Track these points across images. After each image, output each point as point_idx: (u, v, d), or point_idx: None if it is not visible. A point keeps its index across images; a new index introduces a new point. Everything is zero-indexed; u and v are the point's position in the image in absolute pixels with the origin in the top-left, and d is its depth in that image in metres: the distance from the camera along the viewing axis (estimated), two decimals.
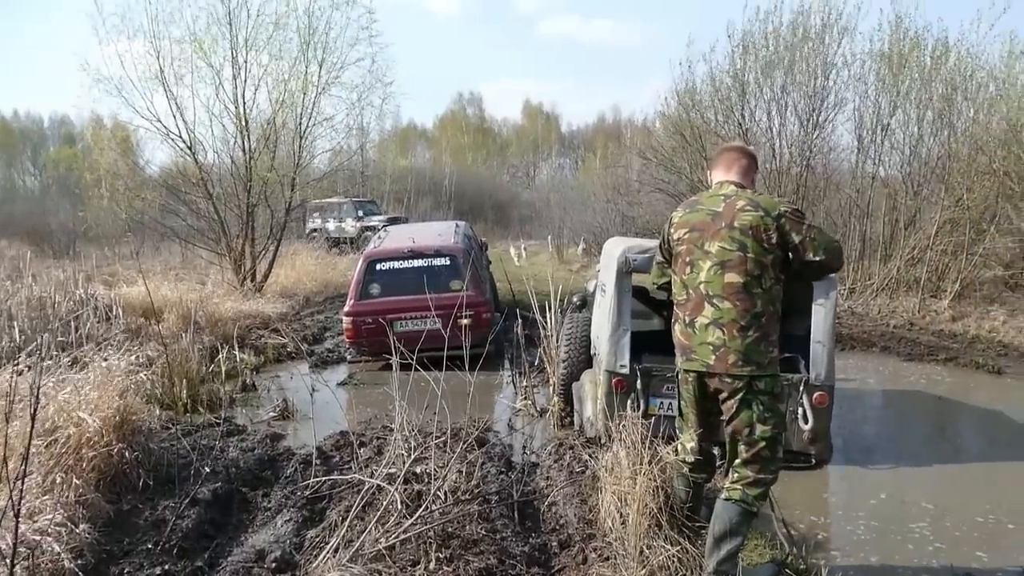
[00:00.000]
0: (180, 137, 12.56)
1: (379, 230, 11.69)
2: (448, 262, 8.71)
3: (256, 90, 13.18)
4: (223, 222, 13.10)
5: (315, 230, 27.67)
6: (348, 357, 8.91)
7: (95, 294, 10.04)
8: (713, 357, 3.36)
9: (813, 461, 5.35)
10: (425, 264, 8.65)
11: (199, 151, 12.81)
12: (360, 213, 27.90)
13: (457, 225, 10.50)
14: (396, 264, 8.72)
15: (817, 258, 3.41)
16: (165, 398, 6.69)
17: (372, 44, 13.65)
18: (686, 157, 14.89)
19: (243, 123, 12.93)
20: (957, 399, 7.40)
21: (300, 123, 13.62)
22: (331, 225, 27.83)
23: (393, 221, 25.90)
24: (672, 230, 3.66)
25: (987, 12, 14.40)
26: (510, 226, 35.67)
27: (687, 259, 3.52)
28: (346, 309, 8.66)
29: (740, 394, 3.34)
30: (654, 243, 5.55)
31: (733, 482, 3.43)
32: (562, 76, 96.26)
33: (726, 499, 3.41)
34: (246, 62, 12.88)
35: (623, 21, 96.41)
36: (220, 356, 8.13)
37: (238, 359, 8.42)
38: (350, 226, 27.46)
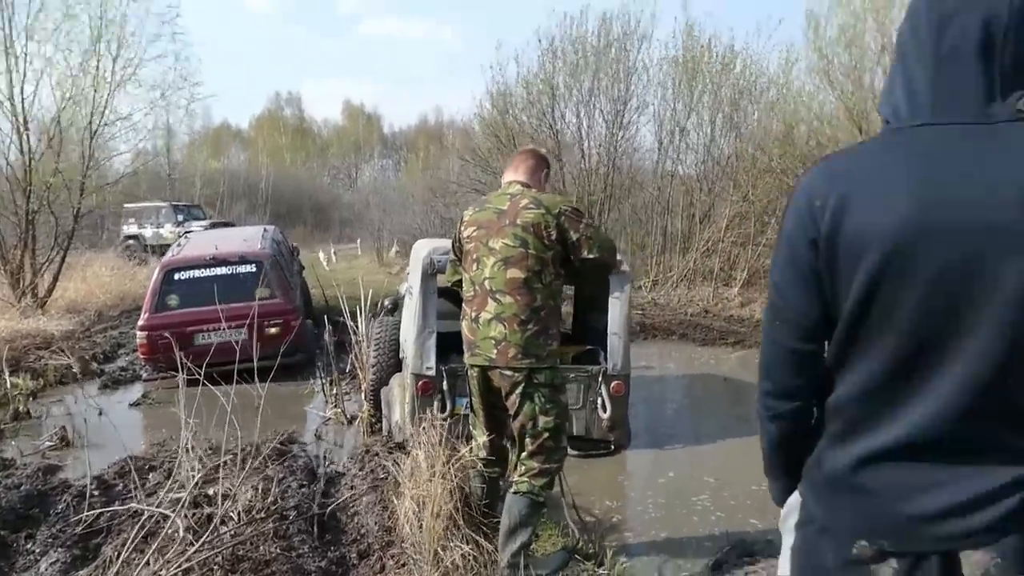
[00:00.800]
0: None
1: (180, 237, 11.01)
2: (253, 269, 8.24)
3: (38, 85, 11.96)
4: None
5: (131, 237, 25.69)
6: (143, 375, 8.27)
7: None
8: (495, 351, 3.43)
9: (612, 447, 5.62)
10: (229, 272, 8.16)
11: None
12: (180, 218, 26.06)
13: (265, 230, 10.01)
14: (196, 273, 8.15)
15: (592, 255, 3.56)
16: None
17: (176, 40, 12.80)
18: (501, 159, 15.19)
19: (21, 121, 11.63)
20: (741, 378, 8.04)
21: (91, 122, 12.48)
22: (148, 231, 25.92)
23: (217, 227, 24.70)
24: (462, 228, 3.71)
25: (765, 24, 15.77)
26: (331, 229, 34.88)
27: (474, 256, 3.58)
28: (140, 323, 8.00)
29: (520, 387, 3.42)
30: None
31: (521, 475, 3.51)
32: (384, 77, 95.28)
33: (515, 492, 3.48)
34: (26, 54, 11.62)
35: (445, 23, 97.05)
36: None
37: (8, 385, 7.57)
38: (168, 232, 25.57)
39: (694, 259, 12.88)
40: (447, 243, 5.98)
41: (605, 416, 5.41)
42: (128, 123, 13.29)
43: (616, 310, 5.55)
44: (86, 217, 13.39)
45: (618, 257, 5.50)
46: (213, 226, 23.99)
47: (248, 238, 9.37)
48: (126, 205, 27.82)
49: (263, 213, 34.95)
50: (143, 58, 12.82)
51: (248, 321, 7.16)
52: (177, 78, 13.30)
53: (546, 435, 3.46)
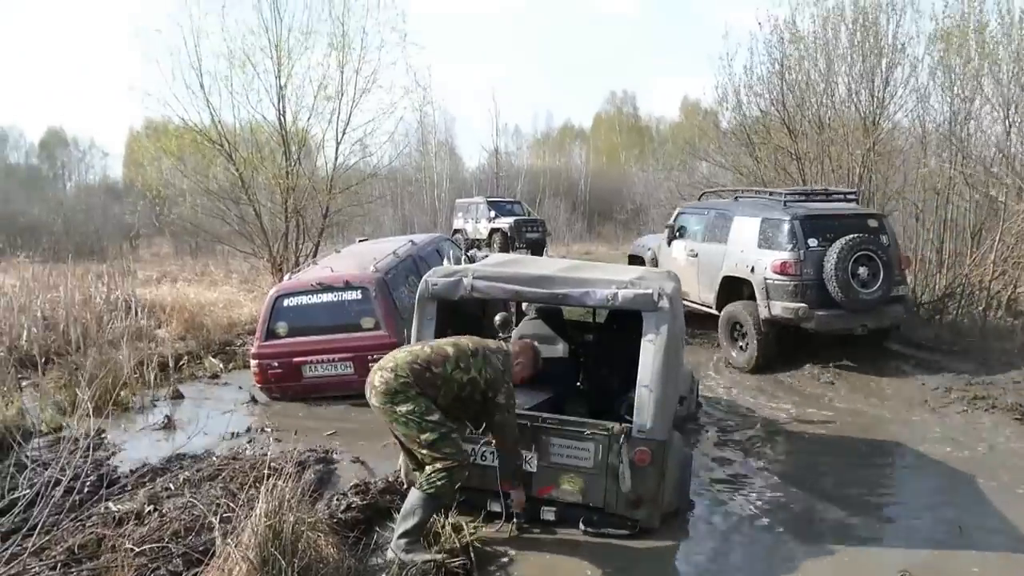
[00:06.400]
0: (222, 147, 13.15)
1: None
2: (359, 296, 7.48)
3: (298, 99, 13.62)
4: (263, 228, 13.51)
5: (457, 231, 27.84)
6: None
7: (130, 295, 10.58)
8: None
9: (636, 527, 4.50)
10: (335, 299, 7.53)
11: (240, 161, 13.28)
12: (492, 214, 27.47)
13: (411, 243, 8.99)
14: (304, 300, 7.58)
15: None
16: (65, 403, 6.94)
17: (406, 45, 13.92)
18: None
19: (283, 132, 13.33)
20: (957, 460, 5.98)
21: (336, 131, 13.87)
22: (469, 226, 27.82)
23: (525, 225, 25.79)
24: None
25: None
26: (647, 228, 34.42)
27: None
28: (252, 350, 7.72)
29: None
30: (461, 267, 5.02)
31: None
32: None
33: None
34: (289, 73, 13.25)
35: None
36: (171, 362, 8.29)
37: (206, 364, 8.62)
38: (483, 227, 27.15)
39: (962, 284, 9.88)
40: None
41: (624, 489, 4.28)
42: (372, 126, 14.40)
43: (649, 356, 4.36)
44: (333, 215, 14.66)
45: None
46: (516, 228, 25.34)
47: (372, 257, 8.26)
48: (457, 200, 30.30)
49: (583, 211, 36.00)
50: (381, 67, 13.87)
51: (353, 355, 7.16)
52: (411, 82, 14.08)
53: None
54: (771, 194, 9.31)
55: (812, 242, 8.22)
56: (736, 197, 10.10)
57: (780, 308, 8.19)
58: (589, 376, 6.24)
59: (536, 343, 4.77)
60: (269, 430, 6.56)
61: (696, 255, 9.71)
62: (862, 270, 8.06)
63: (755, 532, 4.69)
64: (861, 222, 8.55)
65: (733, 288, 8.89)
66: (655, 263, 10.82)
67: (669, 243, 10.42)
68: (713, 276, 9.14)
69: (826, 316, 8.09)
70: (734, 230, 9.04)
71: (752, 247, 8.64)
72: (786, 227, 8.32)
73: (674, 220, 10.57)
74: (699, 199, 11.28)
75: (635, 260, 11.85)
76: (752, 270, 8.52)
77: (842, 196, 9.27)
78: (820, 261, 8.11)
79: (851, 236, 8.07)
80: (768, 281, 8.29)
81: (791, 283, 8.15)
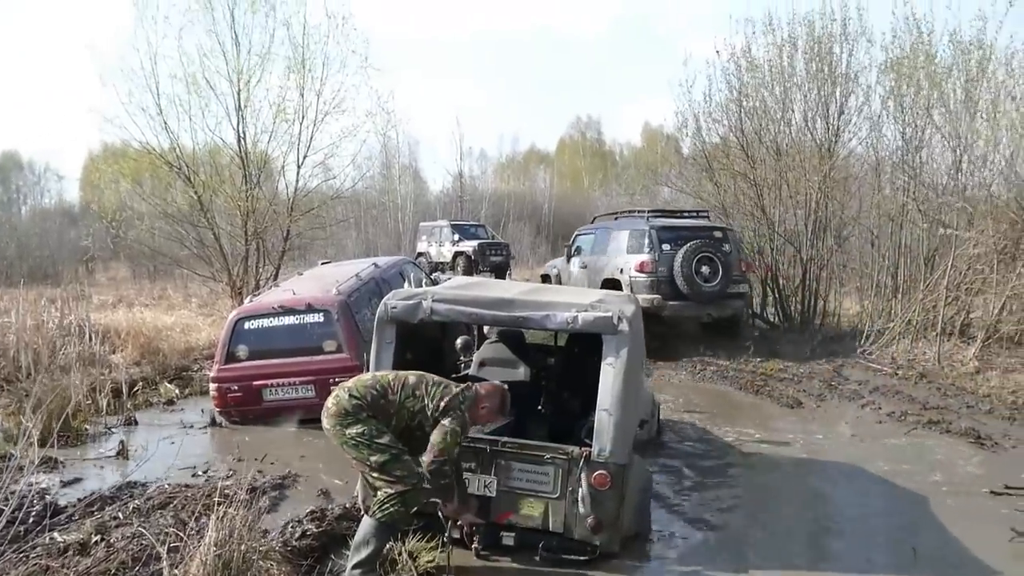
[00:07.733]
0: (180, 170, 13.00)
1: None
2: (320, 319, 7.42)
3: (257, 121, 13.55)
4: (223, 251, 13.34)
5: (421, 254, 27.68)
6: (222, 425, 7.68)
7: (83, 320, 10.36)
8: None
9: (596, 552, 4.43)
10: (296, 322, 7.45)
11: (199, 184, 13.13)
12: (456, 237, 27.33)
13: (374, 266, 8.90)
14: (265, 323, 7.49)
15: None
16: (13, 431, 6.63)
17: (367, 70, 13.92)
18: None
19: (243, 155, 13.23)
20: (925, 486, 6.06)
21: (298, 152, 13.77)
22: (433, 249, 27.66)
23: (489, 248, 25.72)
24: None
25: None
26: None
27: None
28: (212, 374, 7.63)
29: None
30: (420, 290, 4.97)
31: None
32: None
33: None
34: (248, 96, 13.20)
35: None
36: (124, 388, 8.04)
37: (162, 390, 8.39)
38: (447, 250, 27.01)
39: (916, 309, 10.13)
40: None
41: (583, 513, 4.27)
42: (335, 148, 14.29)
43: (609, 379, 4.37)
44: (293, 238, 14.58)
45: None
46: (490, 245, 25.25)
47: (334, 279, 8.18)
48: (421, 223, 30.20)
49: (546, 234, 36.30)
50: (342, 90, 13.88)
51: (314, 378, 7.08)
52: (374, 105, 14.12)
53: None
54: (639, 213, 11.80)
55: (666, 247, 10.51)
56: (616, 217, 12.66)
57: (640, 300, 9.33)
58: (550, 399, 6.22)
59: (507, 388, 4.59)
60: (226, 456, 6.41)
61: (587, 267, 12.04)
62: (704, 268, 10.30)
63: (714, 557, 4.69)
64: (707, 232, 10.88)
65: (612, 288, 10.22)
66: (559, 279, 13.10)
67: (568, 260, 12.80)
68: (597, 281, 11.20)
69: (677, 306, 10.41)
70: (612, 242, 11.43)
71: (623, 254, 10.97)
72: (646, 236, 10.66)
73: (572, 242, 13.06)
74: (592, 222, 13.77)
75: (545, 278, 13.77)
76: (622, 271, 10.78)
77: (695, 214, 12.02)
78: (671, 262, 10.28)
79: (695, 241, 10.36)
80: (632, 278, 10.53)
81: (648, 279, 10.41)
